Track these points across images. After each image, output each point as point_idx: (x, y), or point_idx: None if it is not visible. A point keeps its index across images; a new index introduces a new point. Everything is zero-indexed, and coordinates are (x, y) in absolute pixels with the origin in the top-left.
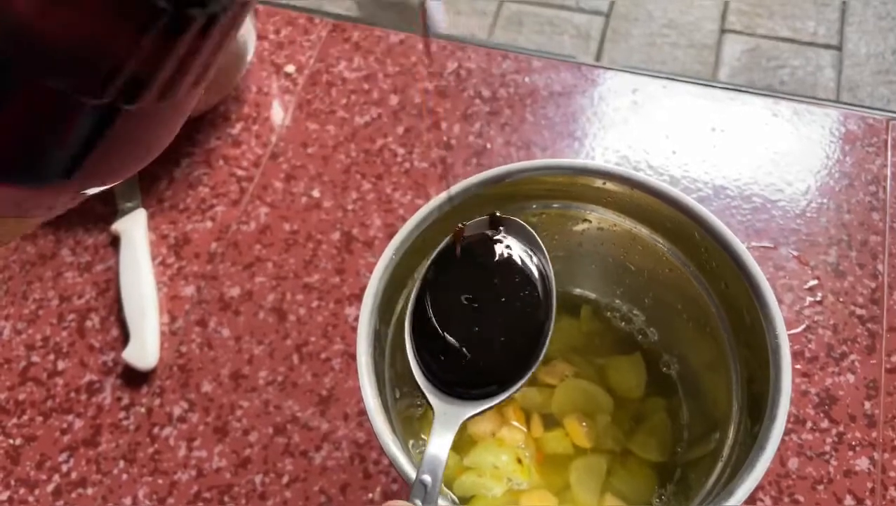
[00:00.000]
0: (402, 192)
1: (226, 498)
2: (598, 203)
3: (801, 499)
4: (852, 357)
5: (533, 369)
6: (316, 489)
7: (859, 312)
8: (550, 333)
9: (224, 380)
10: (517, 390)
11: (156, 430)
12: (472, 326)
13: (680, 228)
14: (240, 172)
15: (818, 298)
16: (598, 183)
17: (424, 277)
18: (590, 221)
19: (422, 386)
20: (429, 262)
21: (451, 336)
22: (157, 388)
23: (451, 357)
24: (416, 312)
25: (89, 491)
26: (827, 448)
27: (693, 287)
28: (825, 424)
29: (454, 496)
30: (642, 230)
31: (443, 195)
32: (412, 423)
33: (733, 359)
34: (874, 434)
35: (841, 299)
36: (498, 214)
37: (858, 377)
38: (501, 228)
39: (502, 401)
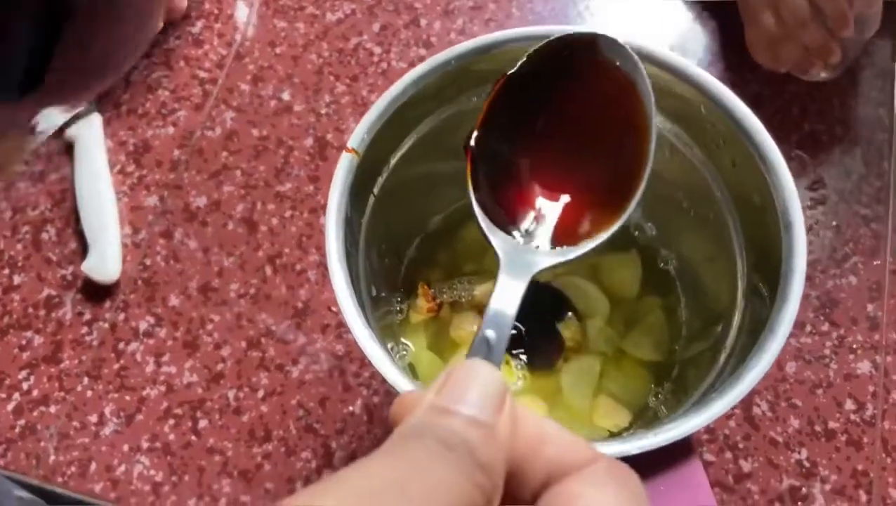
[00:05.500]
0: (379, 94)
1: (198, 413)
2: None
3: (799, 403)
4: (855, 259)
5: (628, 212)
6: (293, 403)
7: (863, 211)
8: (647, 176)
9: (192, 293)
10: (603, 240)
11: (121, 345)
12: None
13: (684, 104)
14: (202, 74)
15: (820, 198)
16: None
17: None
18: None
19: (481, 222)
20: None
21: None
22: (121, 302)
23: (523, 192)
24: (481, 137)
25: (52, 409)
26: (827, 352)
27: (697, 172)
28: (825, 327)
29: None
30: None
31: (419, 67)
32: (392, 329)
33: (739, 246)
34: (877, 337)
35: (845, 199)
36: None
37: (861, 279)
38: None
39: (584, 254)
